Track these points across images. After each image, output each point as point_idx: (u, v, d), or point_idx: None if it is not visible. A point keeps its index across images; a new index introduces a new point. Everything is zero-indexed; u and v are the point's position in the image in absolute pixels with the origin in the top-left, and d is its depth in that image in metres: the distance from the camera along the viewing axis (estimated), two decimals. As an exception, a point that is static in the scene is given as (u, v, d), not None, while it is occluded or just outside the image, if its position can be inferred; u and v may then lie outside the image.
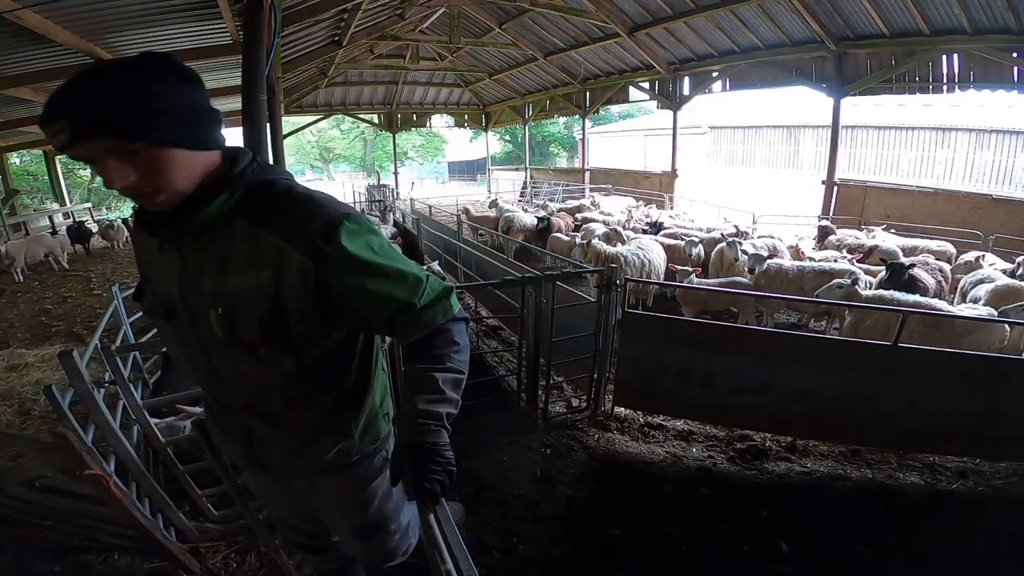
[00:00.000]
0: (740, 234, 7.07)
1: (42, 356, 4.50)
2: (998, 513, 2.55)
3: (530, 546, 2.20)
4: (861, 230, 7.97)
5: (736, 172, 17.27)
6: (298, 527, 1.40)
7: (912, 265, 4.93)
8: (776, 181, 15.49)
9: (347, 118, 25.45)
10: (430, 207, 11.78)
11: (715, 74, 11.61)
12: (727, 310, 5.52)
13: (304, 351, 0.98)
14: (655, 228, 8.01)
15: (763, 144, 17.14)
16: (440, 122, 22.52)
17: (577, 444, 3.03)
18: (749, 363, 3.02)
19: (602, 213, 10.40)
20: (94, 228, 10.99)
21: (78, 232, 9.75)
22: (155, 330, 2.94)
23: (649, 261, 5.92)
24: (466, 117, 21.62)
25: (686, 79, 12.42)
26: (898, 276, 4.72)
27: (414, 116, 20.62)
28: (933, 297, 4.64)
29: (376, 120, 20.34)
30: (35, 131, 8.77)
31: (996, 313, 3.89)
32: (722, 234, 6.78)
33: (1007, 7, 6.75)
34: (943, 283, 5.39)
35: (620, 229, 7.51)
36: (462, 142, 34.12)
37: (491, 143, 25.07)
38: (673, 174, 13.52)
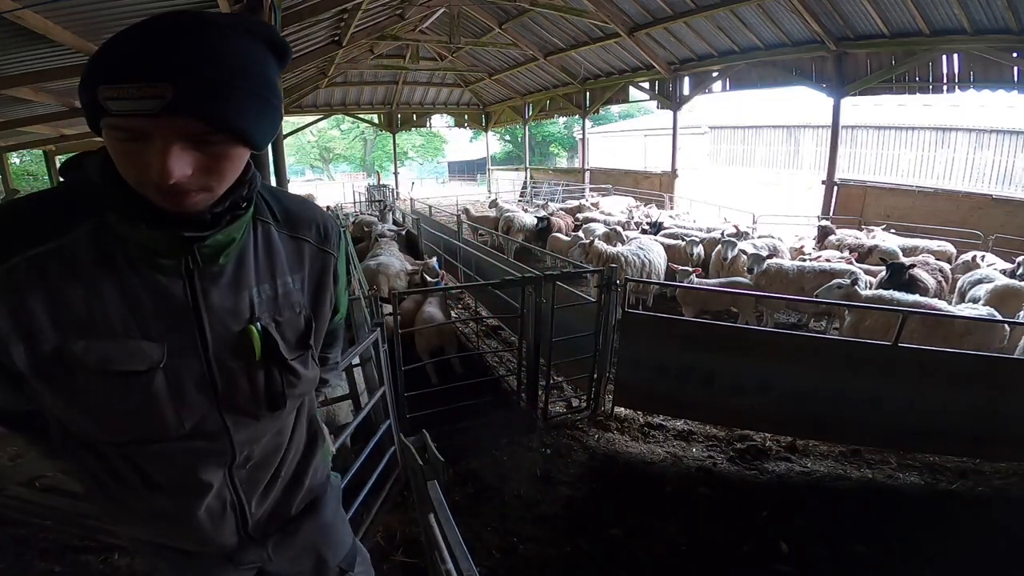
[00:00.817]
0: (740, 234, 7.07)
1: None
2: (998, 513, 2.54)
3: (530, 546, 2.20)
4: (861, 230, 7.96)
5: (736, 172, 17.30)
6: None
7: (912, 265, 4.93)
8: (776, 181, 15.51)
9: (347, 118, 25.50)
10: (430, 207, 11.76)
11: (715, 74, 11.61)
12: (727, 310, 5.53)
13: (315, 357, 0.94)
14: (655, 228, 8.01)
15: (763, 144, 17.16)
16: (440, 122, 22.53)
17: (577, 444, 3.03)
18: (749, 363, 3.03)
19: (602, 213, 10.41)
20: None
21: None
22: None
23: (649, 261, 5.93)
24: (466, 117, 21.61)
25: (686, 79, 12.41)
26: (898, 276, 4.73)
27: (414, 116, 20.61)
28: (933, 297, 4.65)
29: (376, 120, 20.32)
30: (35, 131, 8.74)
31: (996, 313, 3.90)
32: (722, 234, 6.78)
33: (1007, 7, 6.75)
34: (943, 283, 5.40)
35: (620, 229, 7.51)
36: (462, 142, 34.15)
37: (491, 143, 25.08)
38: (673, 174, 13.52)
